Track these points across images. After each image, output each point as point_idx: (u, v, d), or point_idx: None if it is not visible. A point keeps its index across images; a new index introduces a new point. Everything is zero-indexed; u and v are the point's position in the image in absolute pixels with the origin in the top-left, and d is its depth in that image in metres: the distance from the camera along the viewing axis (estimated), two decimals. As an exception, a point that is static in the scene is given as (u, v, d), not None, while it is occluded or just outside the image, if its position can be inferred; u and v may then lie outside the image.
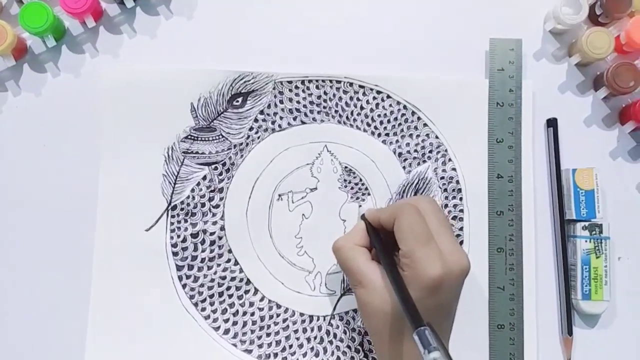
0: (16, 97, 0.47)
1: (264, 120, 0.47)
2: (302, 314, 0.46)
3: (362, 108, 0.48)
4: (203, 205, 0.46)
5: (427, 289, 0.36)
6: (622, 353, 0.47)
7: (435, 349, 0.32)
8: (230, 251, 0.46)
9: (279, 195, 0.47)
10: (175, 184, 0.46)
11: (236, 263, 0.46)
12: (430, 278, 0.36)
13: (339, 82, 0.48)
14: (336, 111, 0.48)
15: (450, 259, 0.37)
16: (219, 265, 0.46)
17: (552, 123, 0.48)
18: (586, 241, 0.46)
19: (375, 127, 0.48)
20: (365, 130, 0.48)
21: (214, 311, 0.46)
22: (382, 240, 0.41)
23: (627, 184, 0.48)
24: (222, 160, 0.47)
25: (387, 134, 0.48)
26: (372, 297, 0.38)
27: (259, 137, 0.47)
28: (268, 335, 0.46)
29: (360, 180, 0.47)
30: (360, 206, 0.47)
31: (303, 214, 0.47)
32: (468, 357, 0.45)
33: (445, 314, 0.39)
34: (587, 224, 0.46)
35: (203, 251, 0.46)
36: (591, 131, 0.48)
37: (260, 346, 0.45)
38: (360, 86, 0.48)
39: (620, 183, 0.48)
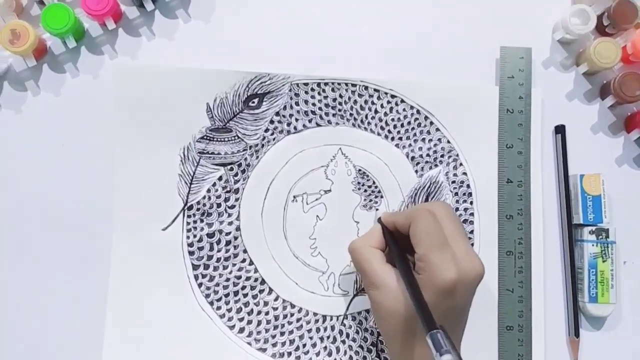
0: (35, 97, 0.48)
1: (279, 121, 0.48)
2: (315, 314, 0.47)
3: (376, 112, 0.49)
4: (219, 205, 0.47)
5: (442, 293, 0.37)
6: (628, 355, 0.48)
7: (448, 351, 0.33)
8: (245, 251, 0.47)
9: (294, 197, 0.48)
10: (191, 184, 0.47)
11: (251, 263, 0.47)
12: (444, 282, 0.37)
13: (354, 85, 0.49)
14: (351, 114, 0.49)
15: (465, 264, 0.38)
16: (234, 265, 0.47)
17: (560, 130, 0.49)
18: (593, 245, 0.47)
19: (389, 131, 0.49)
20: (379, 134, 0.49)
21: (229, 310, 0.46)
22: (397, 244, 0.42)
23: (633, 190, 0.49)
24: (237, 161, 0.48)
25: (400, 138, 0.49)
26: (386, 299, 0.39)
27: (274, 139, 0.48)
28: (282, 334, 0.46)
29: (374, 183, 0.48)
30: (377, 210, 0.48)
31: (317, 216, 0.48)
32: (478, 357, 0.46)
33: (458, 317, 0.40)
34: (594, 228, 0.47)
35: (219, 251, 0.47)
36: (598, 138, 0.50)
37: (274, 345, 0.46)
38: (375, 90, 0.49)
39: (625, 189, 0.49)
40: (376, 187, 0.48)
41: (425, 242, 0.38)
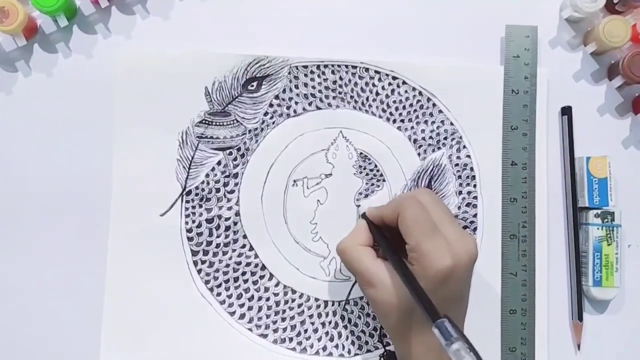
0: (26, 78, 0.46)
1: (279, 105, 0.47)
2: (317, 299, 0.46)
3: (377, 94, 0.47)
4: (218, 190, 0.46)
5: (438, 281, 0.37)
6: (631, 338, 0.48)
7: (457, 339, 0.32)
8: (245, 237, 0.46)
9: (294, 181, 0.47)
10: (189, 168, 0.46)
11: (251, 248, 0.46)
12: (439, 269, 0.36)
13: (354, 67, 0.47)
14: (352, 97, 0.47)
15: (458, 248, 0.37)
16: (234, 250, 0.46)
17: (566, 111, 0.48)
18: (598, 229, 0.47)
19: (391, 113, 0.48)
20: (380, 116, 0.48)
21: (230, 296, 0.46)
22: (385, 237, 0.41)
23: (639, 173, 0.48)
24: (236, 146, 0.46)
25: (402, 120, 0.48)
26: (383, 295, 0.39)
27: (274, 122, 0.47)
28: (283, 320, 0.46)
29: (376, 166, 0.47)
30: (359, 206, 0.47)
31: (318, 200, 0.47)
32: (480, 341, 0.45)
33: (458, 303, 0.40)
34: (599, 211, 0.47)
35: (218, 236, 0.46)
36: (604, 120, 0.49)
37: (275, 331, 0.46)
38: (376, 72, 0.47)
39: (631, 171, 0.48)
40: (378, 170, 0.47)
41: (415, 231, 0.38)
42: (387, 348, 0.46)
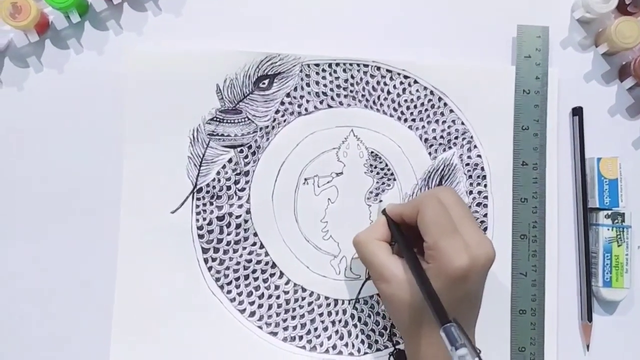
0: (38, 74, 0.46)
1: (290, 103, 0.47)
2: (327, 298, 0.46)
3: (389, 93, 0.47)
4: (229, 188, 0.46)
5: (454, 280, 0.37)
6: (640, 339, 0.48)
7: (463, 345, 0.32)
8: (255, 234, 0.46)
9: (305, 179, 0.47)
10: (200, 166, 0.46)
11: (262, 246, 0.46)
12: (456, 269, 0.36)
13: (366, 66, 0.47)
14: (363, 95, 0.47)
15: (476, 249, 0.37)
16: (244, 248, 0.46)
17: (577, 112, 0.48)
18: (608, 229, 0.47)
19: (402, 112, 0.48)
20: (391, 115, 0.47)
21: (240, 294, 0.45)
22: (403, 235, 0.41)
23: (649, 174, 0.49)
24: (247, 143, 0.46)
25: (413, 120, 0.48)
26: (395, 290, 0.39)
27: (285, 120, 0.47)
28: (293, 318, 0.46)
29: (386, 165, 0.47)
30: (380, 201, 0.47)
31: (329, 198, 0.47)
32: (490, 341, 0.46)
33: (472, 304, 0.40)
34: (609, 212, 0.47)
35: (229, 234, 0.46)
36: (615, 121, 0.49)
37: (285, 329, 0.46)
38: (388, 71, 0.47)
39: (641, 173, 0.49)
40: (389, 169, 0.47)
41: (434, 230, 0.38)
42: (397, 347, 0.46)
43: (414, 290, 0.38)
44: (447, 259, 0.37)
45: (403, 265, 0.39)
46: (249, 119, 0.46)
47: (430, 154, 0.48)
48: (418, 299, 0.37)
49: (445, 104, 0.48)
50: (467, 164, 0.48)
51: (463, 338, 0.33)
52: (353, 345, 0.46)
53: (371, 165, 0.47)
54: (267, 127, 0.47)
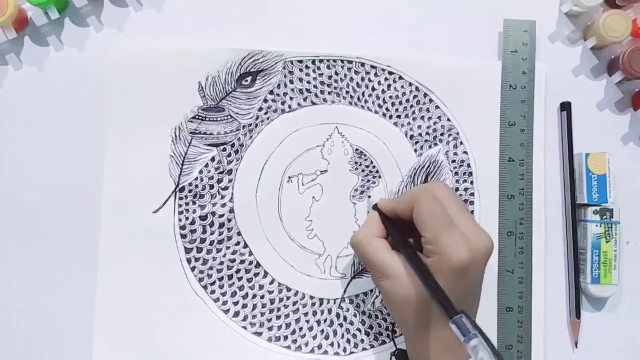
0: (17, 72, 0.46)
1: (273, 100, 0.46)
2: (312, 297, 0.46)
3: (374, 89, 0.47)
4: (212, 187, 0.45)
5: (456, 274, 0.36)
6: (629, 336, 0.47)
7: (475, 335, 0.32)
8: (239, 234, 0.45)
9: (289, 178, 0.46)
10: (183, 165, 0.45)
11: (246, 246, 0.45)
12: (457, 262, 0.36)
13: (350, 62, 0.47)
14: (347, 92, 0.47)
15: (475, 241, 0.37)
16: (228, 248, 0.45)
17: (566, 107, 0.47)
18: (597, 226, 0.46)
19: (387, 109, 0.47)
20: (377, 112, 0.47)
21: (224, 294, 0.45)
22: (398, 230, 0.41)
23: (638, 170, 0.48)
24: (231, 142, 0.46)
25: (399, 116, 0.47)
26: (399, 288, 0.38)
27: (268, 118, 0.46)
28: (278, 318, 0.45)
29: (372, 163, 0.47)
30: (369, 197, 0.46)
31: (313, 197, 0.46)
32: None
33: (473, 296, 0.39)
34: (598, 208, 0.46)
35: (212, 234, 0.45)
36: (604, 116, 0.48)
37: (270, 329, 0.45)
38: (373, 67, 0.47)
39: (631, 168, 0.48)
40: (374, 167, 0.47)
41: (432, 225, 0.38)
42: (399, 347, 0.45)
43: (417, 286, 0.37)
44: (448, 253, 0.36)
45: (403, 262, 0.39)
46: (231, 117, 0.46)
47: (416, 151, 0.47)
48: (423, 295, 0.37)
49: (431, 100, 0.47)
50: (454, 161, 0.47)
51: (475, 329, 0.32)
52: (339, 345, 0.46)
53: (356, 163, 0.47)
54: (251, 125, 0.46)
